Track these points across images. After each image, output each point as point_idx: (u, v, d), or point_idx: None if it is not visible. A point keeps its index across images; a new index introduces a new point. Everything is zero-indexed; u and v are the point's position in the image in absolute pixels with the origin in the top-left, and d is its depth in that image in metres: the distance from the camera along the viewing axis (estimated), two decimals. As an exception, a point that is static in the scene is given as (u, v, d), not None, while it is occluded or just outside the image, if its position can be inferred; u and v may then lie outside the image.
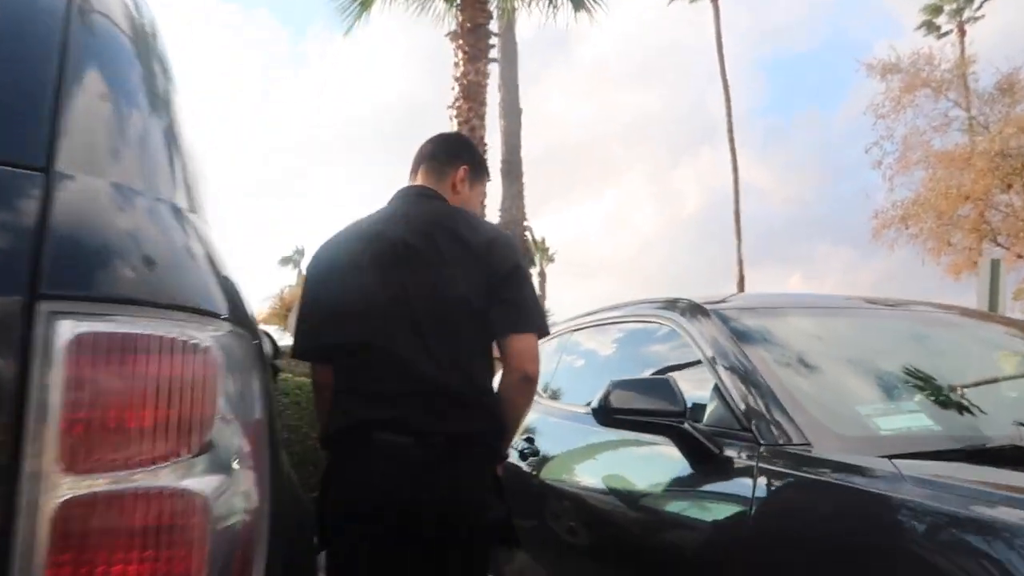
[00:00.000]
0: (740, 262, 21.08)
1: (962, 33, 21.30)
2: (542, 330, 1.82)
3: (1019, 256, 15.67)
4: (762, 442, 1.72)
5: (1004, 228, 15.97)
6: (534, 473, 2.67)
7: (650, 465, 2.10)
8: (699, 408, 1.97)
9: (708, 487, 1.82)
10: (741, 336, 2.09)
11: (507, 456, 1.94)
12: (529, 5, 10.72)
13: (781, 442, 1.68)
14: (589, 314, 3.12)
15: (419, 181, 1.95)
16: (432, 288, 1.70)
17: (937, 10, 22.55)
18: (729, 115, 22.10)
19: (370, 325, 1.69)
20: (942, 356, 2.15)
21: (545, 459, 2.66)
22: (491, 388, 1.80)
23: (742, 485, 1.69)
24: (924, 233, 16.81)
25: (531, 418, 2.98)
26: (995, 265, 7.13)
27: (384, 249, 1.75)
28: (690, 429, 1.83)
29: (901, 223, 17.15)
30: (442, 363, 1.67)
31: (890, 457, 1.47)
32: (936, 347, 2.27)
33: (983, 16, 21.71)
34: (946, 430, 1.73)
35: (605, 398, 1.98)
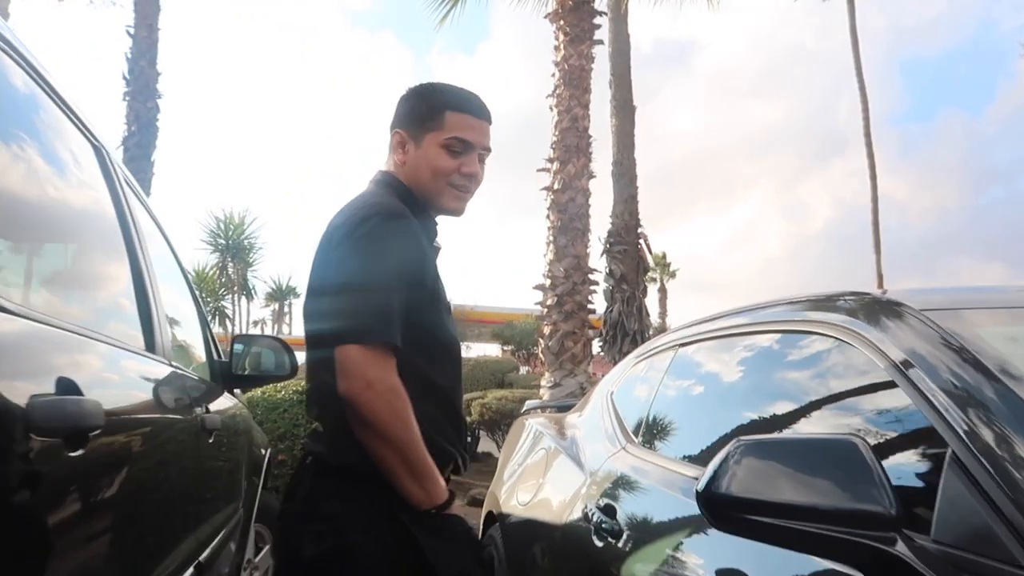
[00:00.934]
0: (880, 276, 18.96)
1: None
2: (364, 335, 1.39)
3: None
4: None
5: None
6: (612, 568, 1.71)
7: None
8: (911, 498, 0.98)
9: None
10: (992, 361, 1.08)
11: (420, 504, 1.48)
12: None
13: None
14: (705, 321, 2.13)
15: None
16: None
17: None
18: (866, 119, 20.09)
19: None
20: None
21: (626, 550, 1.69)
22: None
23: None
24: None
25: (615, 470, 2.01)
26: None
27: None
28: (909, 555, 0.84)
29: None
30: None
31: None
32: None
33: None
34: None
35: (719, 477, 1.03)
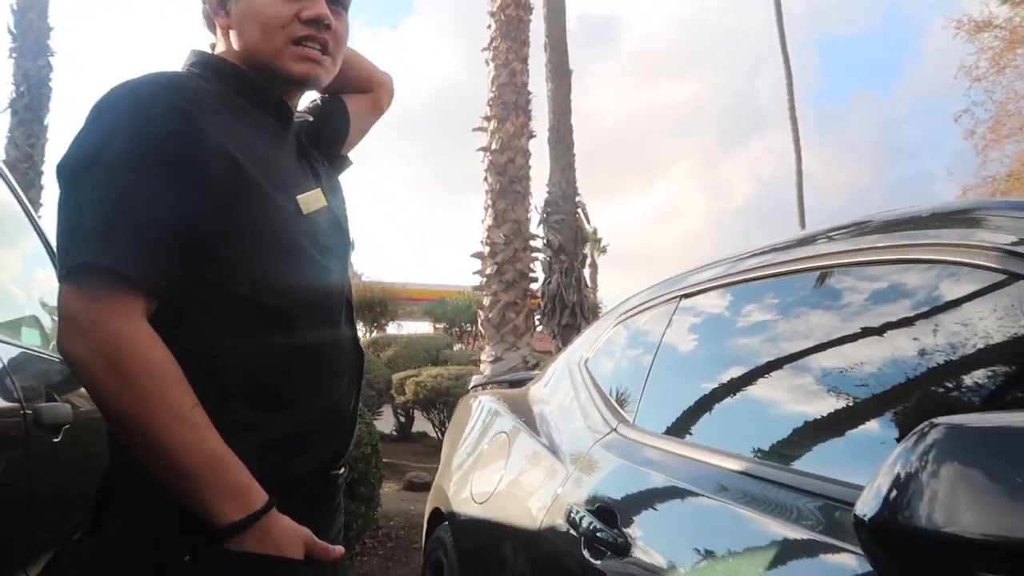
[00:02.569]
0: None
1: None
2: (73, 268, 0.89)
3: None
4: None
5: None
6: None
7: None
8: None
9: None
10: None
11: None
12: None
13: None
14: (715, 264, 1.65)
15: None
16: None
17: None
18: (791, 95, 20.18)
19: None
20: None
21: (640, 572, 1.20)
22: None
23: None
24: None
25: (607, 459, 1.54)
26: None
27: None
28: None
29: (996, 200, 15.15)
30: None
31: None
32: None
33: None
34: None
35: (903, 496, 0.55)
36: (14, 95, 10.73)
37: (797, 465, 1.09)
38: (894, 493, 0.56)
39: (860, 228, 1.24)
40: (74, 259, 0.87)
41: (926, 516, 0.53)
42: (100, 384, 0.87)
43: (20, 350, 1.65)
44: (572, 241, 9.89)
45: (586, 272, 9.90)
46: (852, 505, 0.62)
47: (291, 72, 1.08)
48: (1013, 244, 0.87)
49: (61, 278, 0.88)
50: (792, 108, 20.08)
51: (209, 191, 0.92)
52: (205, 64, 1.10)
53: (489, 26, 7.84)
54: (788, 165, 20.18)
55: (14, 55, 10.81)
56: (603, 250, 34.27)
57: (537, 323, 10.09)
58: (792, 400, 1.24)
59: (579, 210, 10.17)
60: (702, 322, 1.63)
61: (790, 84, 20.24)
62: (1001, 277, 0.87)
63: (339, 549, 1.00)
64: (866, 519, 0.57)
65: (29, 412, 1.46)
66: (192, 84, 1.00)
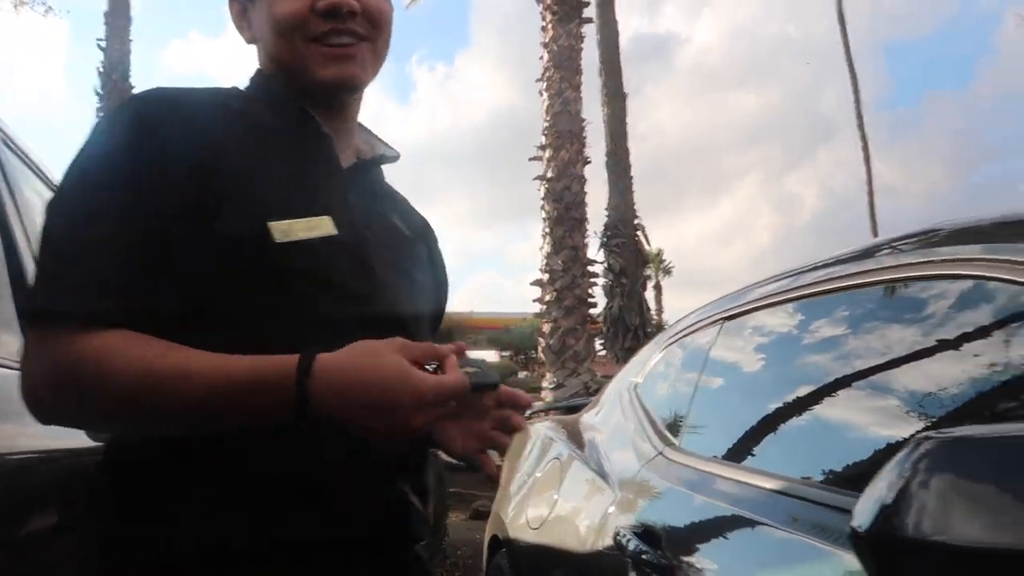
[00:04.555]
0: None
1: None
2: (35, 314, 0.80)
3: None
4: None
5: None
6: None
7: None
8: None
9: None
10: None
11: None
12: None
13: None
14: (753, 287, 1.66)
15: None
16: None
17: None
18: (857, 102, 19.75)
19: None
20: None
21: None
22: None
23: None
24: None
25: (653, 482, 1.56)
26: None
27: None
28: None
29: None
30: None
31: None
32: None
33: None
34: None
35: (900, 507, 0.57)
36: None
37: (841, 486, 1.09)
38: (887, 504, 0.58)
39: (927, 239, 1.20)
40: (34, 302, 0.80)
41: (915, 526, 0.55)
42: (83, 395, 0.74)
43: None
44: (633, 263, 9.87)
45: (651, 294, 9.83)
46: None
47: (320, 79, 0.90)
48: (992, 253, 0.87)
49: (24, 323, 0.85)
50: (859, 115, 19.67)
51: (167, 202, 0.79)
52: (251, 81, 0.97)
53: (542, 57, 7.97)
54: (859, 176, 19.71)
55: (100, 115, 11.50)
56: (667, 271, 33.92)
57: (600, 347, 10.06)
58: (838, 420, 1.24)
59: (639, 232, 10.15)
60: (745, 343, 1.64)
61: (856, 90, 19.84)
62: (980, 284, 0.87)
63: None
64: (860, 530, 0.59)
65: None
66: (187, 95, 0.88)
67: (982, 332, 0.97)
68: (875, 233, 18.55)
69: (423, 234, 1.08)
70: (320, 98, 0.93)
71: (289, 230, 0.83)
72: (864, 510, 0.60)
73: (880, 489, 0.59)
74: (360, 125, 1.02)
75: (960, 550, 0.53)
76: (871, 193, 18.99)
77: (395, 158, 1.04)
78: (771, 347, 1.56)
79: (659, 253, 31.51)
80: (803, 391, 1.33)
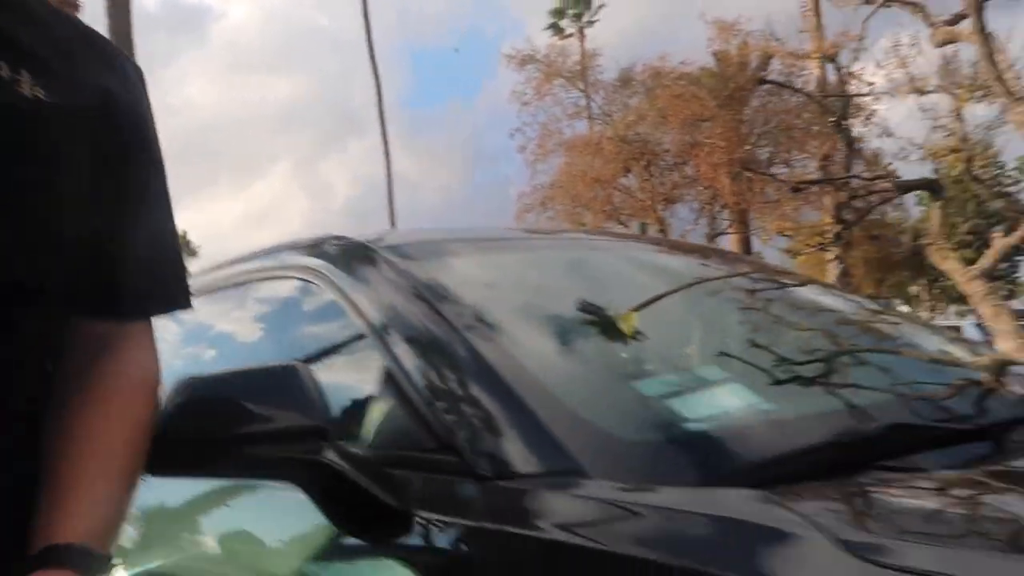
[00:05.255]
0: (397, 247, 20.64)
1: (582, 35, 23.46)
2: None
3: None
4: (484, 473, 0.87)
5: (626, 207, 17.70)
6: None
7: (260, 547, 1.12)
8: (354, 420, 1.06)
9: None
10: (434, 292, 1.22)
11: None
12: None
13: (526, 469, 0.84)
14: (217, 268, 1.98)
15: None
16: None
17: (560, 14, 24.66)
18: (380, 98, 21.57)
19: None
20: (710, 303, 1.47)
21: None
22: None
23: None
24: (560, 215, 17.97)
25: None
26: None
27: None
28: (337, 460, 0.91)
29: (541, 206, 18.16)
30: None
31: (759, 485, 0.70)
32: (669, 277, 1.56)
33: (599, 20, 24.27)
34: (791, 409, 1.03)
35: (175, 418, 0.97)
36: None
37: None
38: (171, 418, 0.96)
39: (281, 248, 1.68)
40: None
41: (181, 427, 0.95)
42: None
43: None
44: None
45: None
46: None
47: None
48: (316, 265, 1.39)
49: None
50: (381, 111, 21.38)
51: None
52: None
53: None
54: (384, 166, 21.45)
55: None
56: (193, 252, 32.46)
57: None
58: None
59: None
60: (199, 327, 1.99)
61: (378, 86, 21.51)
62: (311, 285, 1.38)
63: None
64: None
65: None
66: None
67: (304, 319, 1.48)
68: (393, 222, 20.54)
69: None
70: None
71: None
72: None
73: (166, 408, 0.97)
74: None
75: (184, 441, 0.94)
76: (390, 184, 20.91)
77: None
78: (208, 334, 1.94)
79: (184, 234, 30.00)
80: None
